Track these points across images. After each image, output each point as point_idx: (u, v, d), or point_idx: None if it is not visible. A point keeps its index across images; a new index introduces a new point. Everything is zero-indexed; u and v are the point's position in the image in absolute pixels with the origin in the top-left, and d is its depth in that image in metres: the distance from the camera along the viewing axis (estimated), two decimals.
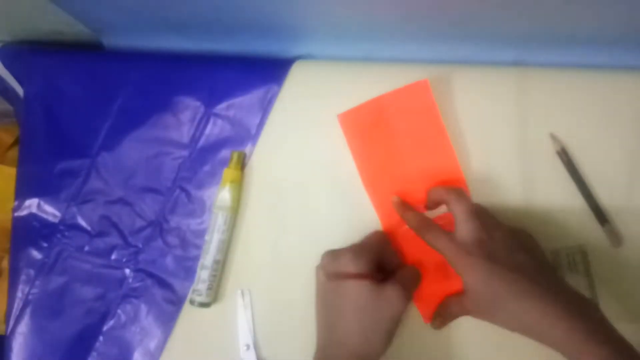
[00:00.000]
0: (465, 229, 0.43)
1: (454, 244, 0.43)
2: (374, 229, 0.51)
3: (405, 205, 0.50)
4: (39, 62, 0.59)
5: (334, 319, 0.45)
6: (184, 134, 0.56)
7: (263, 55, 0.57)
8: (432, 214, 0.50)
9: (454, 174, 0.51)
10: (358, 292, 0.44)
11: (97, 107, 0.57)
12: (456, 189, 0.46)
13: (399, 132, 0.52)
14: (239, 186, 0.53)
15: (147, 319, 0.54)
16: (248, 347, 0.52)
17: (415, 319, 0.50)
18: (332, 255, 0.46)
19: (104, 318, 0.54)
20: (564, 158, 0.50)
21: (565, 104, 0.52)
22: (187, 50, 0.58)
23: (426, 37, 0.53)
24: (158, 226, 0.55)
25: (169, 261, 0.55)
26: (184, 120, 0.56)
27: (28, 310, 0.55)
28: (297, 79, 0.55)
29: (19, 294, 0.56)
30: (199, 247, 0.54)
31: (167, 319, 0.54)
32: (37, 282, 0.56)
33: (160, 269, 0.55)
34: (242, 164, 0.54)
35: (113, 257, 0.55)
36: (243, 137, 0.55)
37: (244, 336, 0.52)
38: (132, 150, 0.56)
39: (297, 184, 0.54)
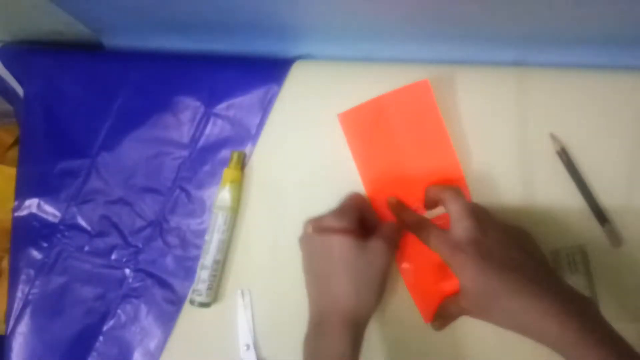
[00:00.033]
0: (460, 227, 0.43)
1: (449, 242, 0.43)
2: (352, 191, 0.51)
3: (401, 205, 0.50)
4: (39, 62, 0.59)
5: (324, 282, 0.45)
6: (184, 134, 0.56)
7: (263, 55, 0.57)
8: (431, 213, 0.50)
9: (454, 174, 0.51)
10: (345, 248, 0.44)
11: (97, 107, 0.57)
12: (452, 187, 0.47)
13: (400, 131, 0.52)
14: (239, 186, 0.53)
15: (147, 319, 0.54)
16: (248, 347, 0.52)
17: (415, 319, 0.50)
18: (315, 218, 0.47)
19: (104, 318, 0.54)
20: (564, 158, 0.50)
21: (565, 104, 0.52)
22: (187, 50, 0.58)
23: (426, 37, 0.53)
24: (158, 226, 0.55)
25: (169, 261, 0.55)
26: (184, 120, 0.56)
27: (28, 310, 0.55)
28: (297, 79, 0.55)
29: (19, 294, 0.56)
30: (199, 247, 0.54)
31: (167, 319, 0.54)
32: (37, 282, 0.56)
33: (160, 269, 0.55)
34: (242, 164, 0.54)
35: (113, 257, 0.55)
36: (243, 137, 0.55)
37: (244, 336, 0.52)
38: (132, 150, 0.56)
39: (297, 184, 0.54)
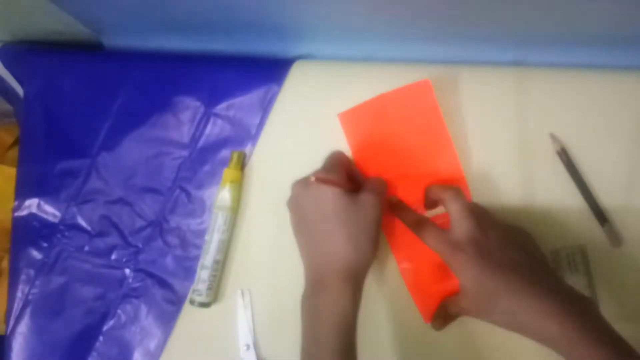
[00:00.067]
0: (459, 227, 0.43)
1: (449, 242, 0.43)
2: (334, 150, 0.50)
3: (401, 205, 0.50)
4: (39, 62, 0.59)
5: (319, 239, 0.45)
6: (184, 134, 0.56)
7: (263, 55, 0.57)
8: (431, 213, 0.51)
9: (455, 174, 0.51)
10: (338, 202, 0.44)
11: (97, 107, 0.57)
12: (452, 187, 0.47)
13: (400, 131, 0.52)
14: (239, 186, 0.53)
15: (147, 319, 0.54)
16: (248, 347, 0.52)
17: (415, 319, 0.50)
18: (302, 178, 0.47)
19: (104, 318, 0.54)
20: (564, 158, 0.50)
21: (565, 104, 0.52)
22: (187, 50, 0.58)
23: (426, 37, 0.53)
24: (158, 226, 0.55)
25: (169, 261, 0.55)
26: (184, 120, 0.56)
27: (28, 310, 0.55)
28: (297, 79, 0.55)
29: (19, 294, 0.56)
30: (199, 247, 0.54)
31: (167, 319, 0.54)
32: (37, 282, 0.56)
33: (160, 269, 0.55)
34: (242, 164, 0.54)
35: (113, 257, 0.55)
36: (243, 137, 0.55)
37: (244, 336, 0.52)
38: (132, 150, 0.56)
39: None
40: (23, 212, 0.57)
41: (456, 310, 0.47)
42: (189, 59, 0.57)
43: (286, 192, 0.53)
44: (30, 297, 0.55)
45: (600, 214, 0.50)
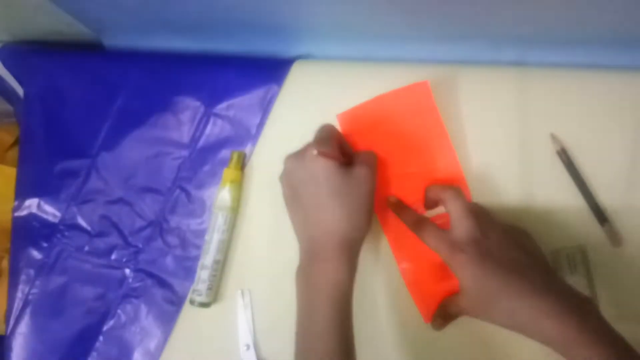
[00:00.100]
0: (459, 227, 0.43)
1: (449, 242, 0.43)
2: (324, 123, 0.50)
3: (401, 205, 0.50)
4: (39, 62, 0.59)
5: (314, 211, 0.45)
6: (184, 134, 0.56)
7: (263, 55, 0.57)
8: (431, 213, 0.50)
9: (454, 174, 0.51)
10: (332, 174, 0.44)
11: (97, 107, 0.57)
12: (452, 187, 0.47)
13: (399, 131, 0.52)
14: (239, 186, 0.53)
15: (147, 319, 0.54)
16: (248, 347, 0.52)
17: (416, 319, 0.50)
18: (295, 152, 0.47)
19: (104, 318, 0.54)
20: (564, 158, 0.50)
21: (565, 104, 0.52)
22: (187, 50, 0.58)
23: (426, 37, 0.53)
24: (158, 226, 0.55)
25: (169, 261, 0.55)
26: (184, 120, 0.56)
27: (28, 310, 0.55)
28: (297, 79, 0.55)
29: (19, 294, 0.56)
30: (199, 247, 0.54)
31: (167, 319, 0.54)
32: (37, 282, 0.56)
33: (160, 269, 0.55)
34: (242, 164, 0.54)
35: (113, 257, 0.55)
36: (243, 137, 0.55)
37: (244, 336, 0.52)
38: (132, 150, 0.56)
39: None
40: (23, 212, 0.57)
41: (456, 310, 0.47)
42: (189, 59, 0.57)
43: None
44: (30, 297, 0.55)
45: (600, 214, 0.50)
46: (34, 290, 0.56)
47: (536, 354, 0.46)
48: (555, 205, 0.51)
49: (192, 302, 0.51)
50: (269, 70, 0.55)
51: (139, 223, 0.55)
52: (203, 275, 0.51)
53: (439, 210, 0.50)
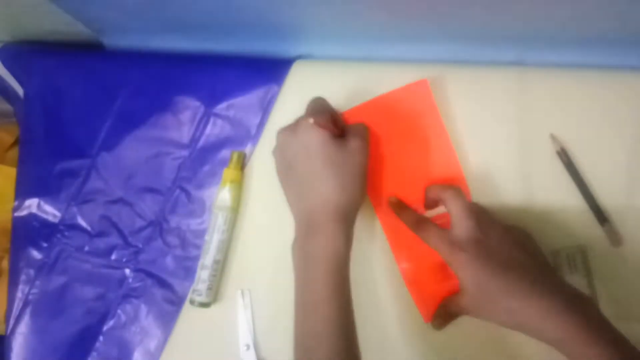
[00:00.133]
0: (460, 226, 0.43)
1: (449, 241, 0.43)
2: (316, 96, 0.49)
3: (401, 205, 0.50)
4: (39, 62, 0.59)
5: (308, 183, 0.45)
6: (184, 134, 0.56)
7: (263, 55, 0.57)
8: (431, 213, 0.51)
9: (454, 174, 0.51)
10: (326, 145, 0.44)
11: (97, 107, 0.57)
12: (452, 187, 0.47)
13: (399, 131, 0.52)
14: (239, 186, 0.53)
15: (147, 319, 0.54)
16: (248, 347, 0.52)
17: (416, 319, 0.50)
18: (287, 125, 0.47)
19: (104, 318, 0.54)
20: (564, 158, 0.50)
21: (565, 104, 0.52)
22: (187, 50, 0.58)
23: (426, 37, 0.53)
24: (158, 226, 0.55)
25: (169, 261, 0.55)
26: (184, 120, 0.56)
27: (28, 310, 0.55)
28: (297, 79, 0.55)
29: (19, 294, 0.56)
30: (199, 247, 0.54)
31: (167, 319, 0.54)
32: (37, 282, 0.56)
33: (160, 269, 0.55)
34: (242, 164, 0.54)
35: (113, 257, 0.55)
36: (243, 137, 0.55)
37: (244, 336, 0.52)
38: (132, 150, 0.56)
39: None
40: (23, 212, 0.57)
41: (456, 309, 0.47)
42: (189, 59, 0.57)
43: None
44: (30, 297, 0.55)
45: (600, 214, 0.50)
46: (34, 290, 0.56)
47: (536, 353, 0.46)
48: (555, 205, 0.51)
49: (192, 302, 0.51)
50: (269, 70, 0.55)
51: (139, 223, 0.55)
52: (203, 275, 0.51)
53: (439, 210, 0.50)
